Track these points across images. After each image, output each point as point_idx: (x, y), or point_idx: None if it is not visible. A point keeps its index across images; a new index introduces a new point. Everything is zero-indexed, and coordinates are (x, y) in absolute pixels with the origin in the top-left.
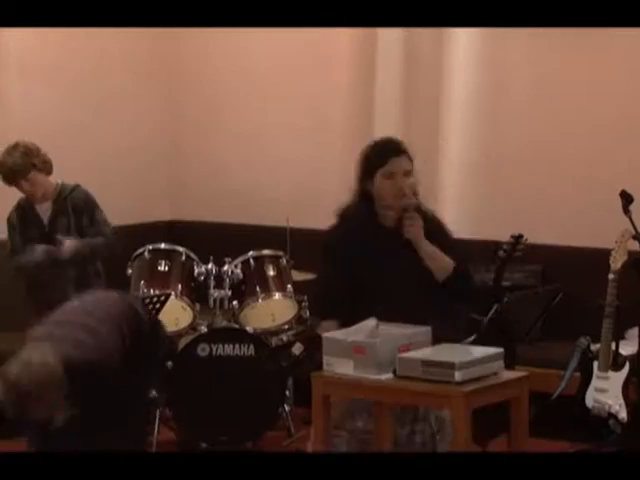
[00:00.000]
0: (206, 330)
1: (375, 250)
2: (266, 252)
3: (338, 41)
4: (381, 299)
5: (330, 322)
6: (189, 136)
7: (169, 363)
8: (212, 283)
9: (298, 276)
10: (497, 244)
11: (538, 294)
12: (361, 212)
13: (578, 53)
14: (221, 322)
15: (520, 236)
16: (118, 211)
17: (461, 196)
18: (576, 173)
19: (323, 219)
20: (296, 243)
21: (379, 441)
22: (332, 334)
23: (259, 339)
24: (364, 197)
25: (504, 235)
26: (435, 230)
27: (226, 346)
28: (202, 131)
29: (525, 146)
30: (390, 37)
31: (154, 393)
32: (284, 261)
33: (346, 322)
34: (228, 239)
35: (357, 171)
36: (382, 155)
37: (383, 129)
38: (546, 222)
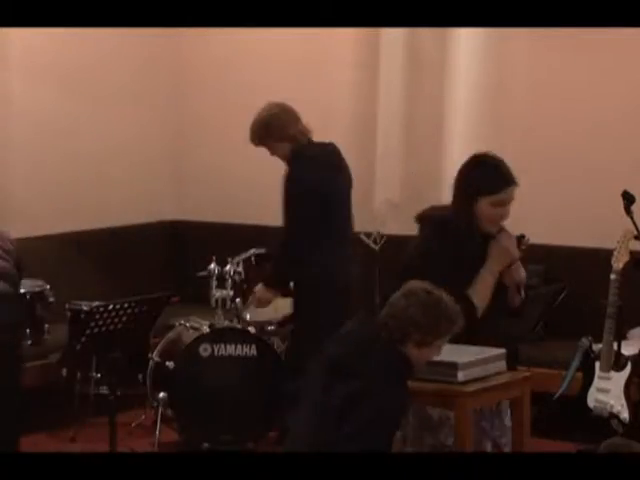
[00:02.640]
0: (208, 330)
1: (468, 269)
2: (267, 250)
3: (341, 41)
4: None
5: None
6: (192, 135)
7: (170, 363)
8: (214, 283)
9: None
10: None
11: (540, 294)
12: (464, 230)
13: (580, 53)
14: (223, 322)
15: (522, 236)
16: (121, 211)
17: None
18: (578, 173)
19: None
20: None
21: None
22: None
23: (261, 339)
24: (468, 216)
25: None
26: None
27: (228, 346)
28: (205, 130)
29: (527, 147)
30: (393, 37)
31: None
32: None
33: None
34: (231, 239)
35: (460, 186)
36: (496, 183)
37: (386, 130)
38: (548, 222)
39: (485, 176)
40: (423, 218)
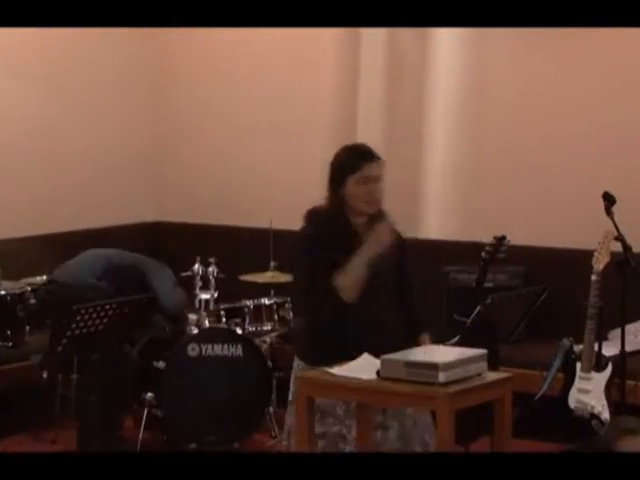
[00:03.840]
0: (197, 331)
1: (346, 253)
2: None
3: (322, 43)
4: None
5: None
6: (173, 136)
7: (160, 363)
8: (198, 284)
9: (281, 277)
10: (480, 245)
11: (521, 295)
12: (333, 216)
13: (562, 54)
14: (207, 323)
15: (503, 237)
16: (101, 212)
17: (445, 198)
18: (559, 175)
19: None
20: (280, 245)
21: (361, 442)
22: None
23: (247, 339)
24: (336, 201)
25: (487, 236)
26: (401, 246)
27: (215, 346)
28: (186, 131)
29: (508, 148)
30: (374, 39)
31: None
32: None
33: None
34: (212, 241)
35: (329, 175)
36: (356, 161)
37: (367, 131)
38: (529, 223)
39: (347, 157)
40: (304, 216)
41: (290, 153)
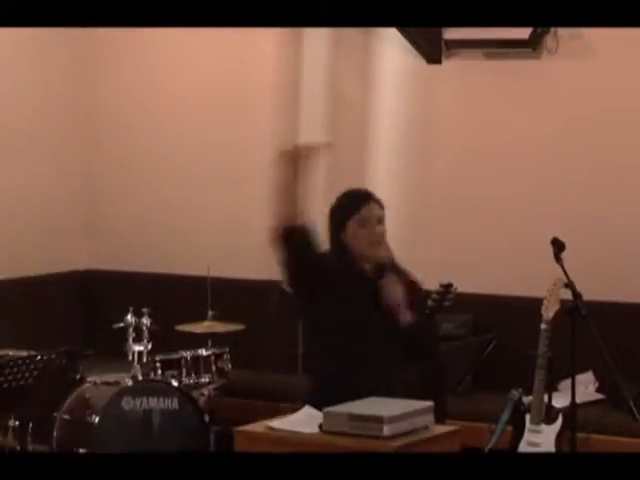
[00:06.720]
0: (131, 383)
1: (356, 298)
2: None
3: (262, 84)
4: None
5: None
6: (106, 180)
7: (94, 417)
8: (131, 335)
9: (220, 327)
10: (426, 293)
11: (468, 345)
12: (338, 262)
13: (514, 97)
14: (140, 376)
15: (449, 285)
16: (29, 259)
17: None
18: (507, 220)
19: (246, 268)
20: (218, 293)
21: None
22: None
23: (183, 392)
24: (339, 248)
25: (433, 283)
26: (407, 286)
27: (150, 399)
28: (118, 174)
29: (454, 191)
30: (314, 77)
31: None
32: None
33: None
34: (147, 289)
35: (329, 223)
36: (355, 203)
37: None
38: (476, 270)
39: (345, 200)
40: None
41: (228, 199)
